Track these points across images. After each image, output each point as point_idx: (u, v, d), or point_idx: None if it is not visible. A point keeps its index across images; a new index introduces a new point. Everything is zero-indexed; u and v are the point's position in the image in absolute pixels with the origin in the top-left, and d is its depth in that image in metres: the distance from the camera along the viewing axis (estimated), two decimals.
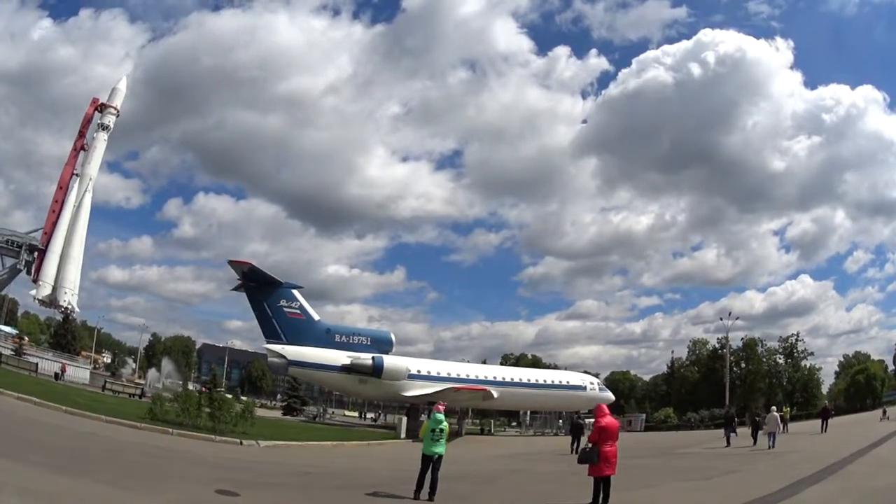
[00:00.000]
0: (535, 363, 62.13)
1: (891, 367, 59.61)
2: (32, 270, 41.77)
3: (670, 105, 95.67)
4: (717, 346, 56.77)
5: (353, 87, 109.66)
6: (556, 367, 53.26)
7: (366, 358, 27.45)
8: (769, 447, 18.52)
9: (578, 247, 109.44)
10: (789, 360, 57.63)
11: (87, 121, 43.85)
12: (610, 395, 33.36)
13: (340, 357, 27.63)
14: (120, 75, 49.54)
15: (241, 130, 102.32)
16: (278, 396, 62.11)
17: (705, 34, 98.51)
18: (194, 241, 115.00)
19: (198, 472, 9.24)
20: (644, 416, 47.53)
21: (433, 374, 28.97)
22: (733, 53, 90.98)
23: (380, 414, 45.09)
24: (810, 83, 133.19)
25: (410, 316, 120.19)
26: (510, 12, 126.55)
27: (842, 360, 67.63)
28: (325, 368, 27.74)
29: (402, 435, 21.45)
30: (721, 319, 49.30)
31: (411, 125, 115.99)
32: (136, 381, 48.20)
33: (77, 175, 42.92)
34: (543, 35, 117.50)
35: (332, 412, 43.74)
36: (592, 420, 12.67)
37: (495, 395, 28.38)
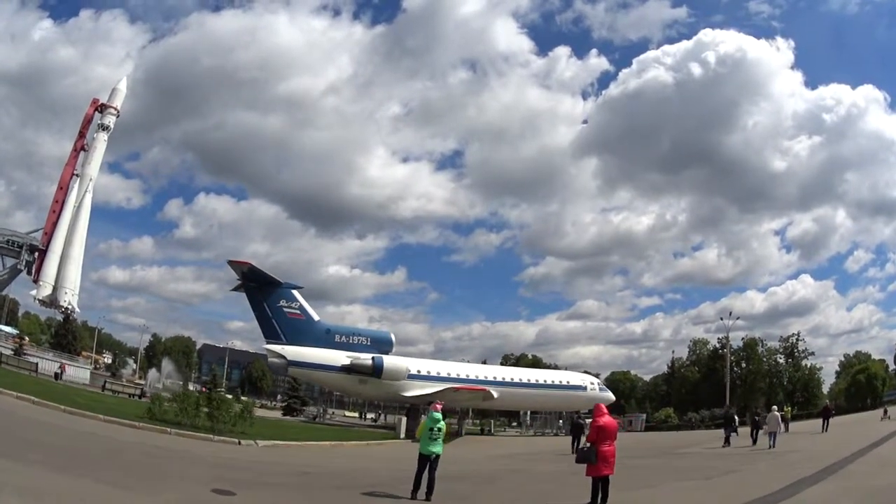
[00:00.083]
0: (536, 363, 62.09)
1: (892, 367, 59.52)
2: (33, 271, 41.85)
3: (671, 105, 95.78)
4: (717, 345, 56.79)
5: (353, 88, 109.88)
6: (556, 368, 53.23)
7: (365, 358, 27.43)
8: (769, 447, 18.49)
9: (579, 247, 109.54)
10: (790, 360, 57.57)
11: (88, 121, 43.94)
12: (610, 396, 33.32)
13: (340, 357, 27.61)
14: (120, 76, 49.69)
15: (241, 131, 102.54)
16: (279, 397, 62.07)
17: (706, 34, 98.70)
18: (195, 242, 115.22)
19: (195, 471, 9.23)
20: (644, 416, 47.48)
21: (433, 374, 28.95)
22: (734, 53, 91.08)
23: (380, 414, 45.06)
24: (811, 83, 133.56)
25: (411, 316, 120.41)
26: (510, 12, 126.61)
27: (842, 359, 67.67)
28: (324, 369, 27.72)
29: (402, 435, 21.43)
30: (721, 319, 49.30)
31: (412, 125, 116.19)
32: (137, 381, 48.21)
33: (77, 175, 43.00)
34: (544, 35, 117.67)
35: (333, 412, 43.71)
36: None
37: (495, 395, 28.34)
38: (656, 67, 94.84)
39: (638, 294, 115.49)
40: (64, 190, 42.57)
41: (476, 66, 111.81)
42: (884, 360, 61.04)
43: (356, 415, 49.14)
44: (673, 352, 70.83)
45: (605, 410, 8.51)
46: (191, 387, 34.64)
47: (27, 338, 46.79)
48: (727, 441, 20.41)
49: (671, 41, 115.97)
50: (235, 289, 29.30)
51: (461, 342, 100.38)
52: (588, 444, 8.13)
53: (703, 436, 27.72)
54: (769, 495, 9.41)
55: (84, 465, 8.24)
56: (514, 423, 43.89)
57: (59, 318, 52.82)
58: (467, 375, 29.66)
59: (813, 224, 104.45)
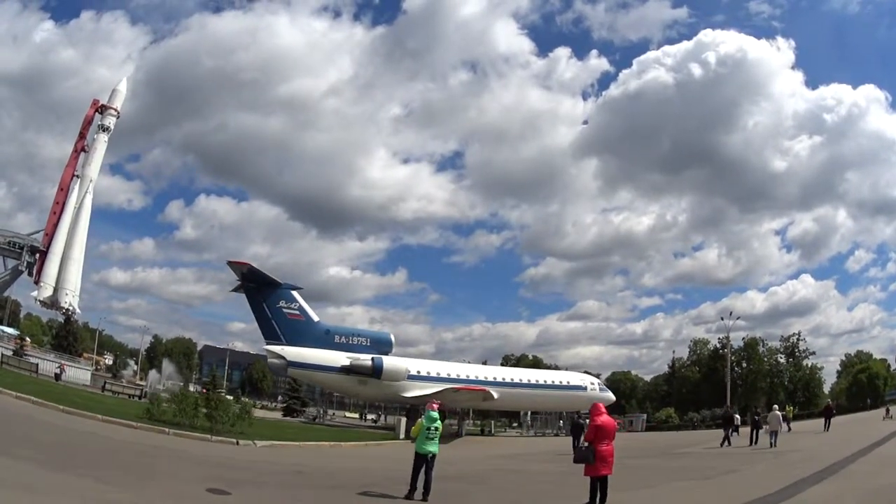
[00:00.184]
0: (536, 364, 62.00)
1: (893, 366, 59.33)
2: (34, 272, 41.90)
3: (671, 105, 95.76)
4: (718, 345, 56.72)
5: (354, 89, 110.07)
6: (557, 368, 53.13)
7: (365, 359, 27.37)
8: (770, 446, 18.41)
9: (579, 247, 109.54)
10: (791, 360, 57.47)
11: (88, 122, 43.99)
12: (610, 396, 33.22)
13: (340, 358, 27.55)
14: (121, 77, 49.70)
15: (242, 132, 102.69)
16: (279, 398, 62.06)
17: (706, 34, 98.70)
18: (196, 243, 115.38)
19: (190, 470, 9.20)
20: (645, 416, 47.32)
21: (433, 374, 28.87)
22: (734, 54, 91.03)
23: (380, 415, 45.02)
24: (811, 83, 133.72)
25: (412, 317, 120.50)
26: (511, 13, 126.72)
27: (843, 359, 67.51)
28: (324, 369, 27.67)
29: (401, 436, 21.37)
30: (722, 319, 49.27)
31: (412, 127, 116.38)
32: (138, 382, 48.24)
33: (78, 177, 43.03)
34: (544, 36, 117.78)
35: (333, 413, 43.69)
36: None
37: (495, 395, 28.27)
38: (657, 68, 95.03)
39: (638, 294, 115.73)
40: (64, 191, 42.61)
41: (476, 67, 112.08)
42: (885, 360, 60.95)
43: (356, 416, 49.12)
44: (673, 352, 70.90)
45: (604, 410, 8.42)
46: (191, 388, 34.56)
47: (28, 339, 46.85)
48: (727, 440, 20.32)
49: (671, 42, 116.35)
50: (235, 289, 29.27)
51: (462, 343, 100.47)
52: (586, 444, 8.06)
53: (703, 436, 27.62)
54: (769, 495, 9.34)
55: (77, 463, 8.23)
56: (515, 424, 43.80)
57: (61, 319, 52.96)
58: (467, 376, 29.58)
59: (814, 224, 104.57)
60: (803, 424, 29.54)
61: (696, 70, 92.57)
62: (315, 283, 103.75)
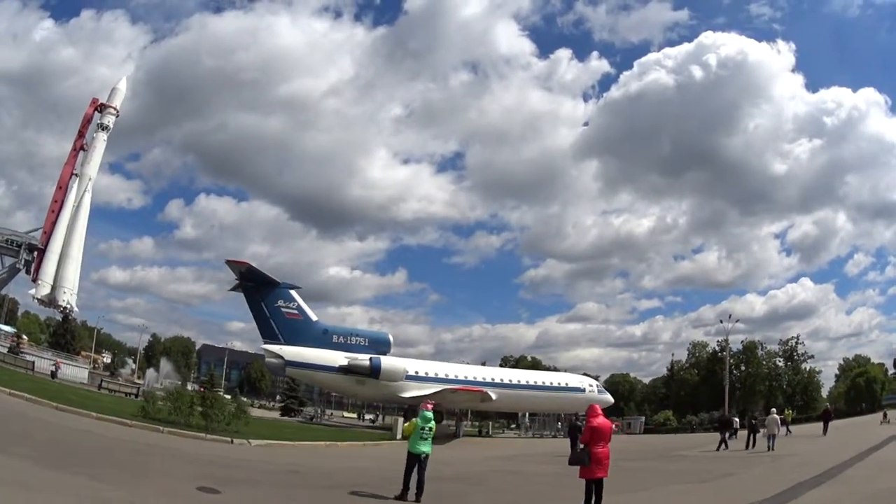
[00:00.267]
0: (535, 365, 61.83)
1: (891, 371, 59.35)
2: (32, 270, 41.81)
3: (672, 107, 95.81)
4: (716, 348, 56.68)
5: (354, 89, 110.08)
6: (556, 370, 53.03)
7: (363, 359, 27.30)
8: (768, 449, 18.35)
9: (579, 249, 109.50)
10: (789, 363, 57.47)
11: (87, 121, 43.96)
12: (609, 398, 33.14)
13: (338, 358, 27.47)
14: (121, 76, 49.67)
15: (242, 132, 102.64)
16: (277, 397, 61.96)
17: (707, 37, 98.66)
18: (195, 243, 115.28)
19: (183, 468, 9.13)
20: (643, 418, 47.30)
21: (431, 375, 28.79)
22: (735, 56, 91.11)
23: (378, 415, 44.92)
24: (812, 86, 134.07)
25: (411, 318, 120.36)
26: (512, 14, 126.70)
27: (842, 363, 67.53)
28: (322, 369, 27.58)
29: (398, 436, 21.25)
30: (721, 322, 49.08)
31: (413, 127, 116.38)
32: (136, 381, 48.13)
33: (76, 175, 42.98)
34: (545, 37, 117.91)
35: (331, 413, 43.58)
36: None
37: (493, 396, 28.18)
38: (657, 70, 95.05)
39: (638, 296, 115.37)
40: (63, 189, 42.54)
41: (477, 68, 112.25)
42: (883, 364, 60.96)
43: (355, 416, 49.03)
44: (672, 354, 70.74)
45: (600, 411, 8.32)
46: (189, 387, 34.48)
47: (26, 337, 46.74)
48: (724, 444, 20.27)
49: (672, 44, 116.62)
50: (233, 289, 29.18)
51: (461, 344, 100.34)
52: (582, 446, 7.98)
53: (701, 439, 27.54)
54: (766, 500, 9.28)
55: (69, 460, 8.18)
56: (513, 425, 43.72)
57: (59, 317, 52.83)
58: (465, 377, 29.51)
59: (813, 227, 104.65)
60: (801, 428, 29.48)
61: (697, 72, 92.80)
62: (315, 283, 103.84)
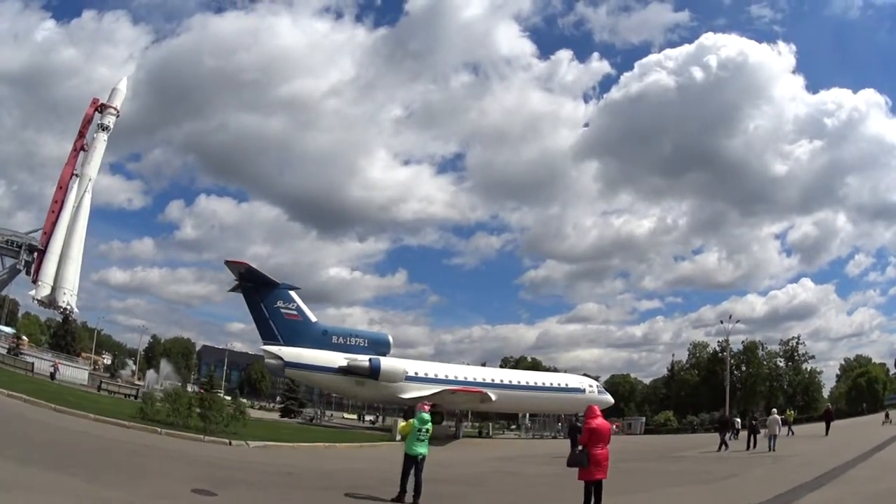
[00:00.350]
0: (535, 366, 61.72)
1: (892, 371, 59.19)
2: (32, 271, 41.80)
3: (672, 109, 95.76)
4: (717, 349, 56.58)
5: (355, 90, 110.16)
6: (556, 371, 52.95)
7: (363, 360, 27.22)
8: (769, 450, 18.26)
9: (580, 250, 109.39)
10: (790, 364, 57.36)
11: (87, 121, 44.01)
12: (609, 398, 33.03)
13: (337, 359, 27.38)
14: (121, 77, 49.69)
15: (243, 133, 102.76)
16: (277, 399, 61.89)
17: (707, 38, 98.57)
18: (196, 244, 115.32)
19: (179, 470, 9.07)
20: (644, 419, 47.19)
21: (430, 376, 28.69)
22: (735, 57, 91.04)
23: (378, 416, 44.84)
24: (812, 87, 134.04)
25: (411, 319, 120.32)
26: (513, 16, 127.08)
27: (843, 363, 67.38)
28: (321, 370, 27.50)
29: (397, 437, 21.19)
30: (721, 322, 48.98)
31: (413, 128, 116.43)
32: (135, 382, 48.09)
33: (77, 175, 43.00)
34: (546, 38, 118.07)
35: (331, 414, 43.54)
36: None
37: (493, 397, 28.08)
38: (658, 71, 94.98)
39: (638, 297, 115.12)
40: (63, 190, 42.56)
41: (478, 69, 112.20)
42: (884, 364, 60.81)
43: (355, 417, 48.96)
44: (673, 355, 70.52)
45: (598, 412, 8.24)
46: (189, 388, 34.42)
47: (26, 338, 46.73)
48: (724, 445, 20.19)
49: (673, 45, 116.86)
50: (233, 289, 29.13)
51: (461, 345, 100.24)
52: (580, 447, 7.90)
53: (702, 439, 27.46)
54: (767, 501, 9.19)
55: (64, 461, 8.12)
56: (513, 426, 43.64)
57: (59, 318, 52.82)
58: (465, 377, 29.41)
59: (813, 228, 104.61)
60: (803, 428, 29.38)
61: (698, 73, 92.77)
62: (315, 283, 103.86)
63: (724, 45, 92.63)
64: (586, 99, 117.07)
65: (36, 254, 41.66)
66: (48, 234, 41.56)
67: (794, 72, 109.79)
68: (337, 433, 23.64)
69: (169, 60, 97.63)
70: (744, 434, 22.08)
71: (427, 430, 8.25)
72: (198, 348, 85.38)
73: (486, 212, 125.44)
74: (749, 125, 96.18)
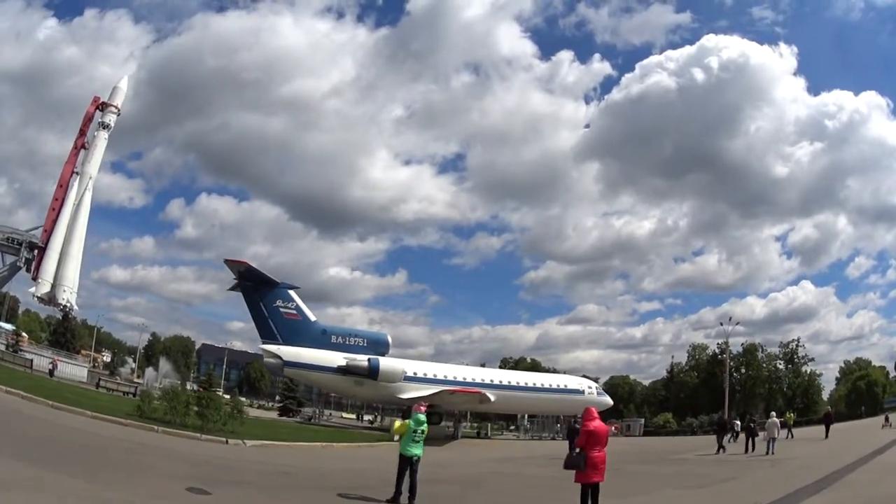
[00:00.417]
0: (535, 367, 61.63)
1: (892, 374, 59.02)
2: (32, 268, 41.82)
3: (673, 110, 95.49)
4: (716, 351, 56.52)
5: (356, 90, 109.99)
6: (555, 372, 52.88)
7: (361, 360, 27.18)
8: (767, 453, 18.20)
9: (580, 251, 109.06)
10: (790, 366, 57.27)
11: (88, 119, 44.00)
12: (608, 400, 32.99)
13: (336, 358, 27.35)
14: (122, 75, 49.67)
15: (244, 132, 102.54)
16: (276, 398, 61.88)
17: (709, 39, 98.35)
18: (196, 242, 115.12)
19: (174, 469, 9.03)
20: (643, 420, 47.13)
21: (429, 376, 28.66)
22: (737, 59, 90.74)
23: (377, 416, 44.81)
24: (813, 89, 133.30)
25: (411, 319, 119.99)
26: (514, 16, 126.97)
27: (842, 366, 67.22)
28: (320, 370, 27.47)
29: (395, 438, 21.16)
30: (721, 324, 49.02)
31: (414, 128, 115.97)
32: (135, 380, 48.12)
33: (77, 173, 43.01)
34: (547, 39, 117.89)
35: (330, 414, 43.52)
36: None
37: (492, 398, 28.05)
38: (659, 72, 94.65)
39: (638, 299, 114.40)
40: (64, 188, 42.57)
41: (479, 69, 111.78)
42: (884, 367, 60.62)
43: (354, 416, 48.93)
44: (672, 357, 70.40)
45: (596, 414, 8.19)
46: (189, 387, 34.43)
47: (26, 335, 46.76)
48: (721, 448, 20.13)
49: (674, 46, 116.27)
50: (232, 288, 29.12)
51: (461, 345, 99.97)
52: (577, 450, 7.84)
53: (701, 441, 27.38)
54: None
55: (58, 459, 8.10)
56: (512, 427, 43.59)
57: (59, 316, 52.86)
58: (464, 378, 29.37)
59: (814, 230, 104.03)
60: (802, 431, 29.28)
61: (699, 75, 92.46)
62: (315, 283, 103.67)
63: (726, 47, 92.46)
64: (587, 100, 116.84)
65: (36, 251, 41.65)
66: (49, 232, 41.55)
67: (795, 74, 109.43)
68: (335, 433, 23.60)
69: (170, 59, 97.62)
70: (743, 436, 22.01)
71: (423, 432, 8.20)
72: (197, 347, 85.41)
73: (486, 212, 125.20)
74: (750, 127, 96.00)
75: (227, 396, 30.21)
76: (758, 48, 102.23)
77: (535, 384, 31.75)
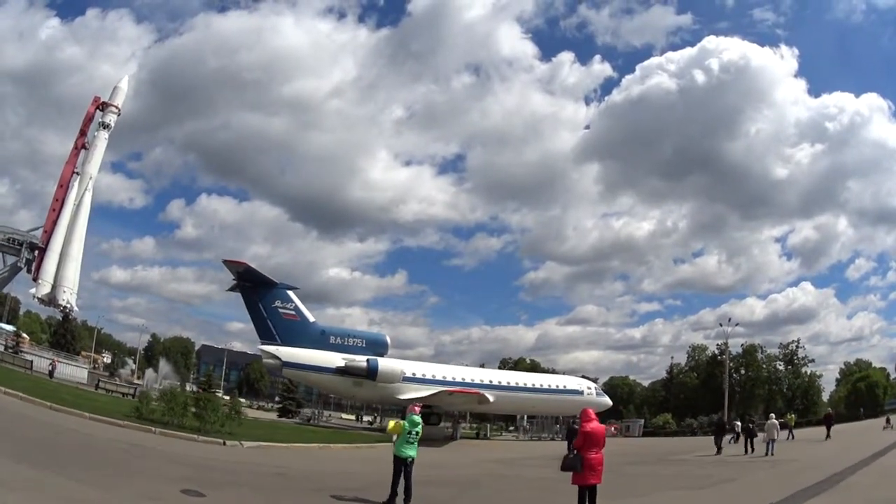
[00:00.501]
0: (534, 367, 61.54)
1: (893, 375, 58.86)
2: (33, 269, 41.83)
3: (673, 111, 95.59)
4: (716, 352, 56.43)
5: (357, 91, 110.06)
6: (555, 372, 52.82)
7: (360, 360, 27.17)
8: (766, 454, 18.14)
9: (580, 252, 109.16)
10: (789, 367, 57.15)
11: (89, 119, 44.00)
12: (607, 401, 32.97)
13: (335, 359, 27.34)
14: (123, 75, 49.70)
15: (245, 132, 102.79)
16: (276, 399, 61.85)
17: (710, 41, 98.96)
18: (196, 243, 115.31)
19: (170, 470, 9.00)
20: (642, 421, 47.06)
21: (428, 377, 28.64)
22: (737, 61, 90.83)
23: (376, 417, 44.81)
24: (814, 91, 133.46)
25: (411, 319, 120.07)
26: (515, 17, 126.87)
27: (843, 367, 67.08)
28: (319, 370, 27.46)
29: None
30: (721, 325, 48.95)
31: (415, 129, 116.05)
32: (134, 381, 48.11)
33: (77, 174, 43.00)
34: (548, 40, 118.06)
35: (329, 415, 43.50)
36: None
37: (490, 398, 28.03)
38: (659, 74, 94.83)
39: (638, 299, 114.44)
40: (64, 188, 42.55)
41: (480, 70, 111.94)
42: (885, 368, 60.49)
43: (353, 417, 48.92)
44: (672, 357, 70.60)
45: (593, 416, 8.14)
46: (189, 388, 34.40)
47: (27, 336, 46.77)
48: (718, 449, 20.09)
49: (675, 48, 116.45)
50: (231, 289, 29.13)
51: (460, 346, 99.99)
52: (574, 451, 7.80)
53: (701, 442, 27.33)
54: None
55: (54, 459, 8.08)
56: (511, 427, 43.56)
57: (59, 317, 52.88)
58: (463, 379, 29.37)
59: (814, 232, 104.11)
60: (802, 432, 29.20)
61: (700, 76, 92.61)
62: (315, 284, 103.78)
63: (727, 49, 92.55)
64: (587, 101, 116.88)
65: (37, 252, 41.67)
66: (49, 233, 41.54)
67: (796, 75, 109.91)
68: (333, 434, 23.57)
69: (172, 59, 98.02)
70: (743, 438, 21.95)
71: (417, 433, 8.16)
72: (197, 348, 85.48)
73: (486, 213, 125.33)
74: (750, 128, 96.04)
75: (227, 397, 30.17)
76: (759, 50, 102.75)
77: (534, 385, 31.73)
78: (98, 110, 43.99)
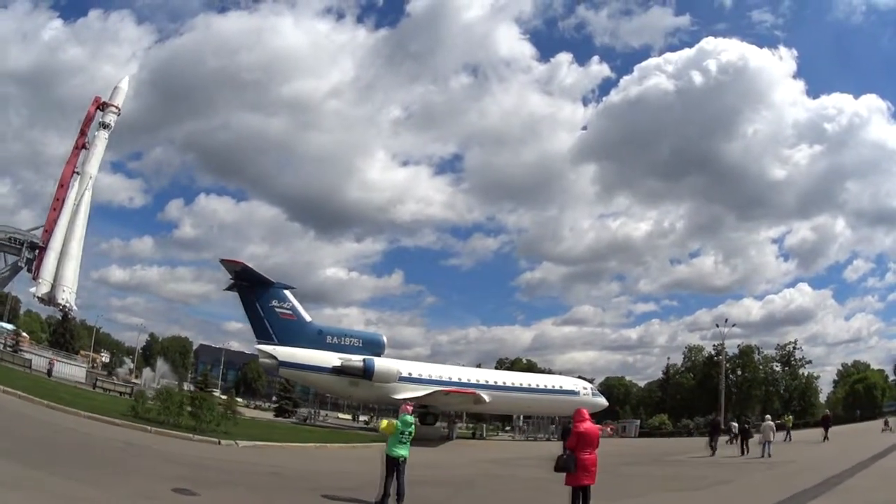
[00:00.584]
0: (530, 368, 61.54)
1: (891, 377, 58.92)
2: (33, 268, 41.89)
3: (671, 112, 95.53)
4: (712, 352, 56.41)
5: (355, 91, 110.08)
6: (551, 373, 52.85)
7: (357, 360, 27.19)
8: (762, 456, 18.16)
9: (576, 252, 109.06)
10: (786, 368, 57.15)
11: (89, 119, 44.13)
12: (603, 401, 32.98)
13: (331, 359, 27.34)
14: (123, 75, 49.76)
15: (244, 132, 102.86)
16: (273, 398, 61.85)
17: (708, 42, 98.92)
18: (195, 242, 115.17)
19: (164, 469, 9.03)
20: (638, 422, 47.04)
21: (424, 377, 28.65)
22: (736, 62, 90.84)
23: (373, 417, 44.85)
24: (813, 92, 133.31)
25: (407, 319, 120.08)
26: (513, 18, 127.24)
27: (840, 368, 67.14)
28: (315, 370, 27.47)
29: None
30: (717, 326, 48.97)
31: (412, 129, 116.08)
32: (132, 380, 48.09)
33: (78, 173, 43.10)
34: (546, 41, 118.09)
35: (326, 414, 43.53)
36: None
37: (486, 399, 28.04)
38: (658, 75, 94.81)
39: (634, 300, 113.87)
40: (64, 188, 42.67)
41: (478, 70, 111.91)
42: (883, 370, 60.53)
43: (349, 417, 48.95)
44: (668, 358, 70.16)
45: (587, 416, 8.11)
46: (186, 387, 34.41)
47: (26, 335, 46.74)
48: (712, 450, 20.12)
49: (673, 49, 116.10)
50: (228, 288, 29.14)
51: (457, 346, 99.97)
52: (567, 452, 7.81)
53: (697, 443, 27.33)
54: None
55: (49, 458, 8.12)
56: (508, 427, 43.59)
57: (59, 316, 52.88)
58: (459, 379, 29.37)
59: (812, 233, 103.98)
60: (800, 434, 29.22)
61: (698, 77, 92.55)
62: (312, 283, 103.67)
63: (725, 50, 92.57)
64: (585, 102, 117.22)
65: (37, 251, 41.72)
66: (49, 232, 41.64)
67: (794, 76, 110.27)
68: (329, 433, 23.59)
69: (172, 60, 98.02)
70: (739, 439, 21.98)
71: (410, 433, 8.17)
72: (195, 347, 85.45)
73: (483, 213, 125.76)
74: (748, 129, 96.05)
75: (224, 397, 30.19)
76: (757, 51, 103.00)
77: (530, 385, 31.74)
78: (98, 110, 44.14)
